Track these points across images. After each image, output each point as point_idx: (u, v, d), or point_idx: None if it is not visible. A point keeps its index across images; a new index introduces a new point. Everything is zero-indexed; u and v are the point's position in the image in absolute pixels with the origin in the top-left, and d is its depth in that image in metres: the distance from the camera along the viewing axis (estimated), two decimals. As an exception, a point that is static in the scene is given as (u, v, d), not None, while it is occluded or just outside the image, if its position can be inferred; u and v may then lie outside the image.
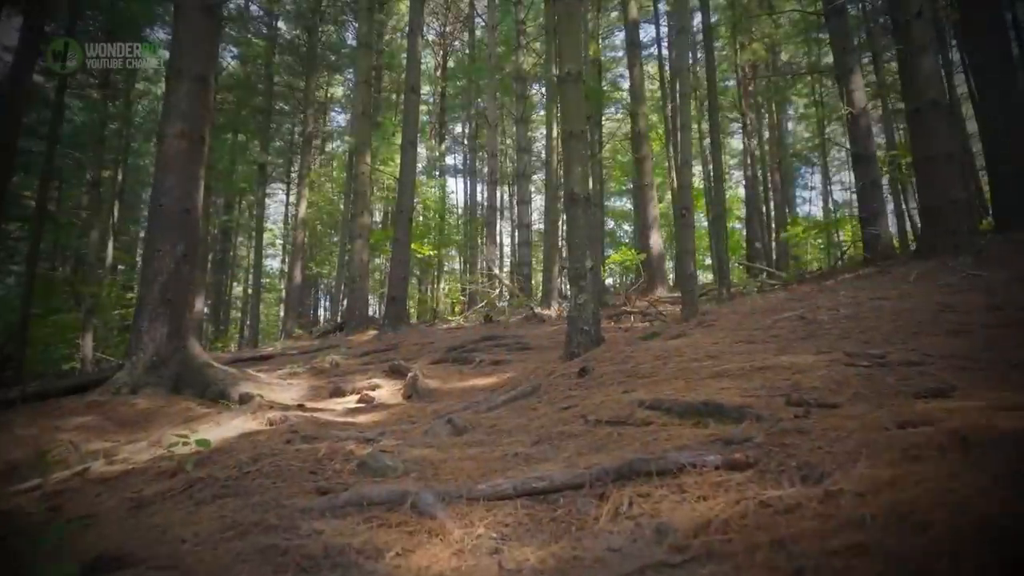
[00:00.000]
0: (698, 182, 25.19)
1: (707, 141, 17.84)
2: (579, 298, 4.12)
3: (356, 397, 5.54)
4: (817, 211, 26.99)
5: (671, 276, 14.60)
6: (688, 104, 6.41)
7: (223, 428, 4.41)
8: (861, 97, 8.35)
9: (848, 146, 8.36)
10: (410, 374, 5.45)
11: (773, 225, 20.98)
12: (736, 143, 25.78)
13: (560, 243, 18.31)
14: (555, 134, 13.70)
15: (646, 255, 12.69)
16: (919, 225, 8.75)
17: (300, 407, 5.45)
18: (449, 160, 30.19)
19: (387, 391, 5.59)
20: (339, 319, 17.04)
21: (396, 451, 2.50)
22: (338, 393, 5.94)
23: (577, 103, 4.29)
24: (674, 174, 15.81)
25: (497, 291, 13.41)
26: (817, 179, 27.23)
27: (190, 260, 6.43)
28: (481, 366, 5.76)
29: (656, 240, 12.87)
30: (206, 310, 28.04)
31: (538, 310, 10.79)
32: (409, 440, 2.86)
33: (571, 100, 4.28)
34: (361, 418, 4.30)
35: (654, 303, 8.53)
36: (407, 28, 12.13)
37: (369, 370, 7.11)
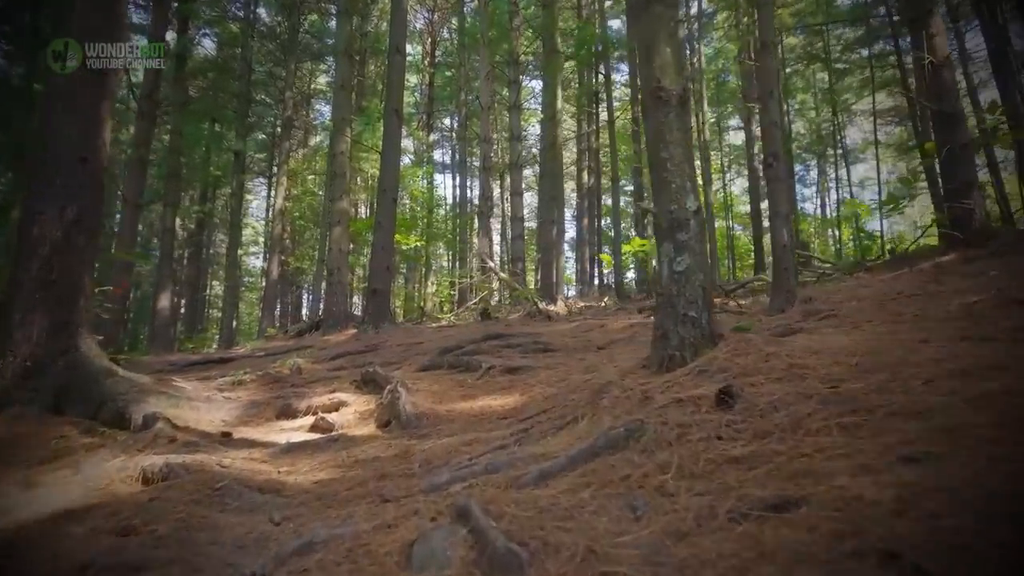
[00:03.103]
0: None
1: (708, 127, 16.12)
2: (677, 262, 2.29)
3: (310, 421, 3.66)
4: (815, 209, 25.47)
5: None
6: (770, 12, 4.55)
7: (76, 481, 2.55)
8: (943, 44, 6.64)
9: (927, 104, 6.65)
10: (388, 387, 3.58)
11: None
12: (734, 138, 24.23)
13: (555, 236, 16.50)
14: (560, 106, 11.90)
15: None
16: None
17: (223, 436, 3.56)
18: (437, 156, 28.29)
19: (355, 412, 3.71)
20: (319, 316, 15.10)
21: None
22: (287, 413, 4.05)
23: (662, -54, 2.50)
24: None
25: (495, 285, 11.56)
26: (814, 175, 25.73)
27: (87, 227, 4.49)
28: (492, 376, 3.90)
29: (670, 229, 11.09)
30: (182, 308, 25.85)
31: (543, 306, 8.96)
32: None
33: (652, -58, 2.48)
34: (301, 472, 2.43)
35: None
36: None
37: (338, 378, 5.23)
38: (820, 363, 1.96)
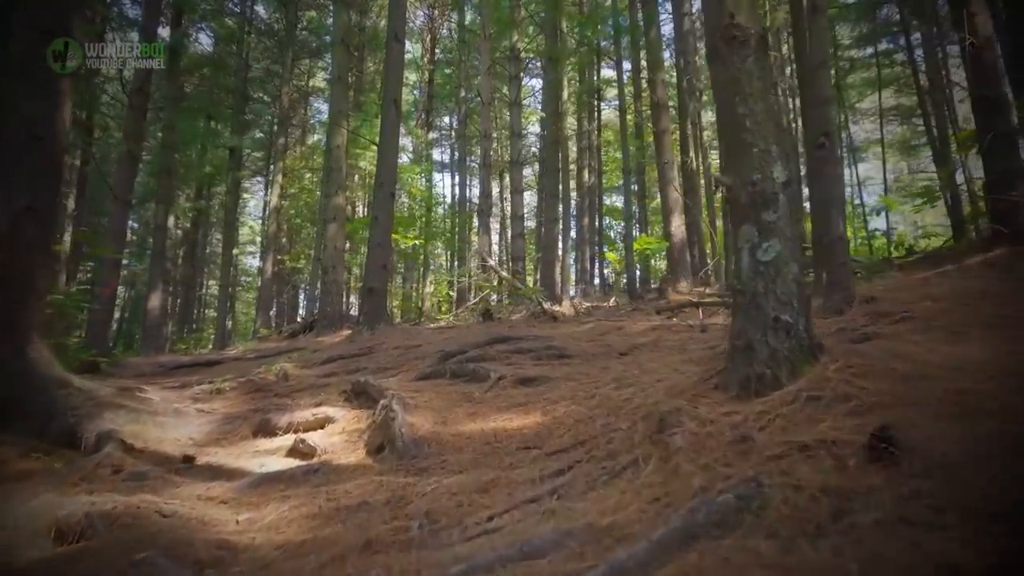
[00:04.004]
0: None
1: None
2: (763, 250, 1.71)
3: (291, 441, 3.06)
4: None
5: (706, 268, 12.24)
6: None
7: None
8: (986, 23, 6.08)
9: (966, 87, 6.10)
10: (382, 402, 2.99)
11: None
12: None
13: (558, 235, 15.89)
14: (565, 95, 11.32)
15: (668, 243, 10.34)
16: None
17: (185, 461, 2.95)
18: (436, 155, 27.67)
19: (343, 431, 3.11)
20: (314, 317, 14.47)
21: None
22: (265, 430, 3.44)
23: None
24: (692, 154, 13.51)
25: (496, 283, 10.95)
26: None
27: (39, 217, 3.88)
28: (503, 388, 3.31)
29: (678, 226, 10.51)
30: (177, 308, 25.14)
31: (548, 306, 8.37)
32: None
33: None
34: (264, 523, 1.83)
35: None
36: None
37: (328, 386, 4.63)
38: (987, 389, 1.36)
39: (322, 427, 3.31)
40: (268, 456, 2.92)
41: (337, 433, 3.05)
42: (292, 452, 2.89)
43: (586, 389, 2.87)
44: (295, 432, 3.28)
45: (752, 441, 1.35)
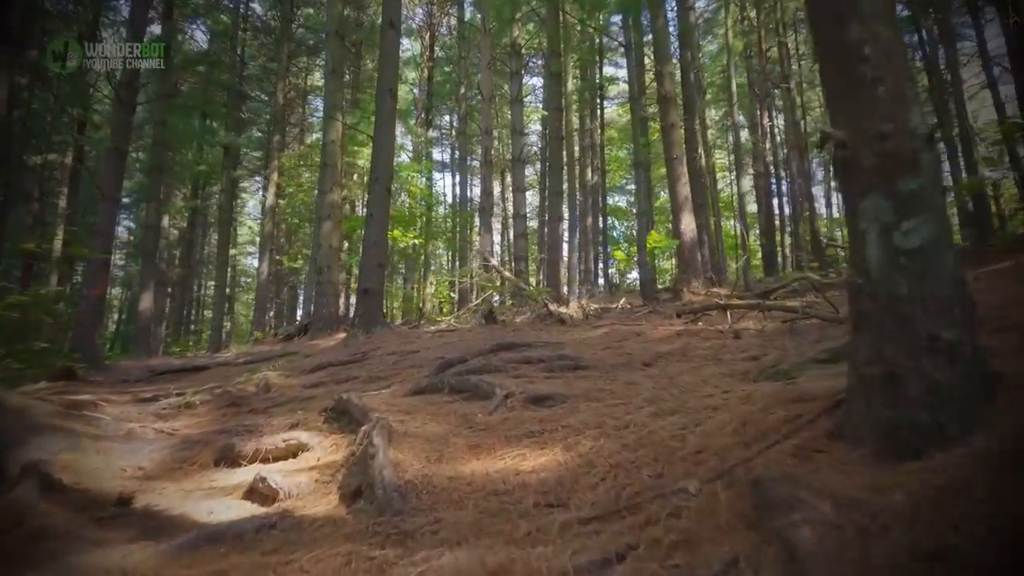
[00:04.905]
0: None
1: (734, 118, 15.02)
2: (904, 232, 1.14)
3: (253, 474, 2.48)
4: (828, 210, 24.25)
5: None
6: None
7: None
8: (1033, 1, 5.56)
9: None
10: (364, 429, 2.41)
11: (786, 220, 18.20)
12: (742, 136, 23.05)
13: (562, 233, 15.31)
14: (570, 88, 10.73)
15: (678, 242, 9.76)
16: None
17: (119, 503, 2.35)
18: (436, 155, 27.13)
19: (316, 463, 2.53)
20: (309, 319, 13.90)
21: None
22: (228, 458, 2.86)
23: None
24: (700, 150, 12.93)
25: (498, 284, 10.38)
26: (819, 175, 24.59)
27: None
28: (511, 408, 2.73)
29: (688, 224, 9.93)
30: (176, 310, 24.55)
31: (554, 308, 7.79)
32: None
33: None
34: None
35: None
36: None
37: (312, 399, 4.06)
38: None
39: (294, 455, 2.74)
40: (222, 498, 2.35)
41: (309, 467, 2.48)
42: (251, 493, 2.31)
43: (615, 414, 2.29)
44: (262, 462, 2.71)
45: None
